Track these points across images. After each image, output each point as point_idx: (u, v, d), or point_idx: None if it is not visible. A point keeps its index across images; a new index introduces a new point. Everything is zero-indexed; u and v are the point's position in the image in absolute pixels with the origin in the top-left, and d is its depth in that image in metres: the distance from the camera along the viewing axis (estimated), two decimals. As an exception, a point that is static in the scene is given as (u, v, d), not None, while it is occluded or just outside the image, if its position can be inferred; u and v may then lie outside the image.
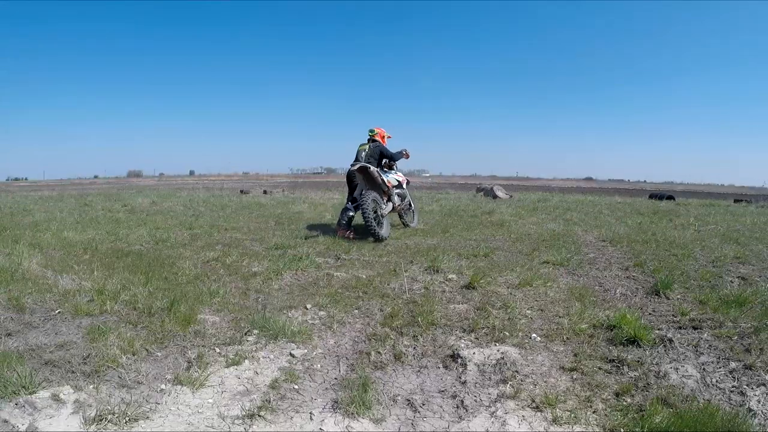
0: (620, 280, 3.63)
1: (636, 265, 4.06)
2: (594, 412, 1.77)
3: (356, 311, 2.88)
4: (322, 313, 2.83)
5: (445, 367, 2.18)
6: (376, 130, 6.06)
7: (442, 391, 1.97)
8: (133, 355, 2.19)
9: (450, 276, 3.63)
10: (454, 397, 1.93)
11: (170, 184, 27.55)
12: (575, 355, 2.24)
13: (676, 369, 2.08)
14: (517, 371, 2.08)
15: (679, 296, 3.14)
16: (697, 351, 2.27)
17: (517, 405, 1.82)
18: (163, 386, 1.95)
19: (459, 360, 2.20)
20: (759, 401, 1.82)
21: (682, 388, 1.93)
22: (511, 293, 3.21)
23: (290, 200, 11.31)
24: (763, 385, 1.93)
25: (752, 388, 1.91)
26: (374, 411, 1.80)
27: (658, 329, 2.52)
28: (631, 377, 2.02)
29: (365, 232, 5.19)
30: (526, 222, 7.05)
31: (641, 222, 7.19)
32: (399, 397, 1.92)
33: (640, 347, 2.29)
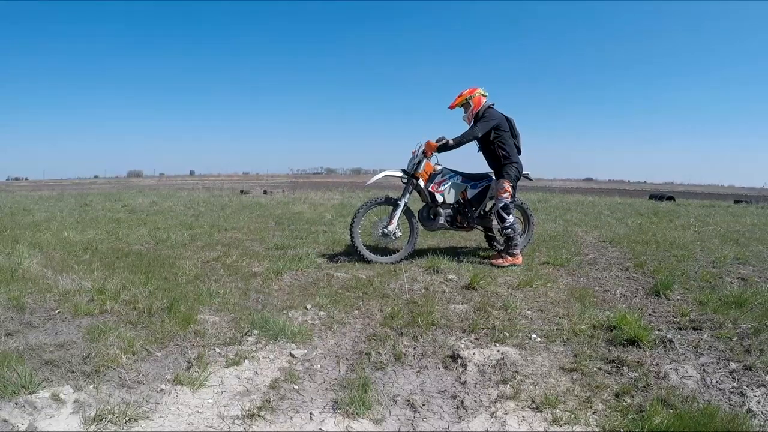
0: (620, 280, 3.63)
1: (636, 265, 4.06)
2: (594, 412, 1.77)
3: (356, 311, 2.88)
4: (322, 313, 2.83)
5: (445, 367, 2.18)
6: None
7: (442, 391, 1.98)
8: (133, 355, 2.19)
9: (450, 276, 3.63)
10: (454, 397, 1.93)
11: (170, 184, 27.56)
12: (575, 355, 2.24)
13: (676, 370, 2.08)
14: (517, 372, 2.08)
15: (679, 297, 3.14)
16: (697, 352, 2.27)
17: (517, 405, 1.82)
18: (163, 386, 1.95)
19: (459, 360, 2.20)
20: (759, 402, 1.82)
21: (682, 388, 1.93)
22: (511, 294, 3.21)
23: (290, 200, 11.31)
24: (763, 386, 1.93)
25: (752, 389, 1.91)
26: (374, 411, 1.80)
27: (658, 330, 2.52)
28: (631, 378, 2.02)
29: None
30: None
31: (641, 222, 7.19)
32: (399, 398, 1.92)
33: (640, 348, 2.29)
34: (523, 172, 4.38)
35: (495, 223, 4.35)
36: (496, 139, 4.09)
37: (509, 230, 4.02)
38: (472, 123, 4.16)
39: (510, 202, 4.05)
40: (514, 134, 4.20)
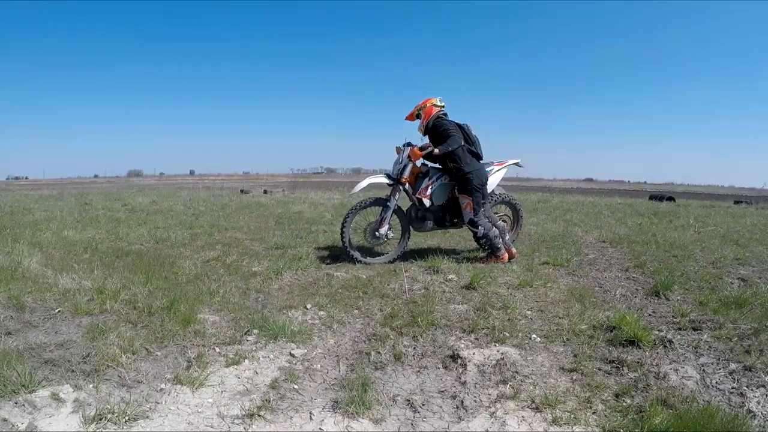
0: (620, 281, 3.63)
1: (636, 266, 4.06)
2: (594, 412, 1.77)
3: (356, 311, 2.88)
4: (322, 312, 2.83)
5: (445, 367, 2.18)
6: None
7: (442, 391, 1.97)
8: (133, 354, 2.19)
9: (450, 276, 3.63)
10: (453, 397, 1.93)
11: (170, 184, 27.57)
12: (575, 355, 2.24)
13: (676, 370, 2.08)
14: (516, 372, 2.08)
15: (679, 297, 3.14)
16: (696, 352, 2.27)
17: (517, 405, 1.82)
18: (162, 385, 1.95)
19: (459, 360, 2.20)
20: (759, 402, 1.82)
21: (682, 389, 1.93)
22: (511, 294, 3.21)
23: (290, 200, 11.31)
24: (763, 386, 1.93)
25: (752, 390, 1.91)
26: (374, 411, 1.80)
27: (658, 330, 2.52)
28: (631, 378, 2.02)
29: None
30: (526, 222, 7.04)
31: (641, 223, 7.19)
32: (399, 398, 1.92)
33: (639, 348, 2.29)
34: (513, 161, 4.43)
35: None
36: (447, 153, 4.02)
37: (483, 240, 4.14)
38: (424, 134, 4.19)
39: (474, 215, 4.06)
40: (470, 141, 4.15)
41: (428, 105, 4.17)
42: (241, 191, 15.66)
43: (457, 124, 4.12)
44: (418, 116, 4.22)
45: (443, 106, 4.22)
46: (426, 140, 4.21)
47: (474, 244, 5.06)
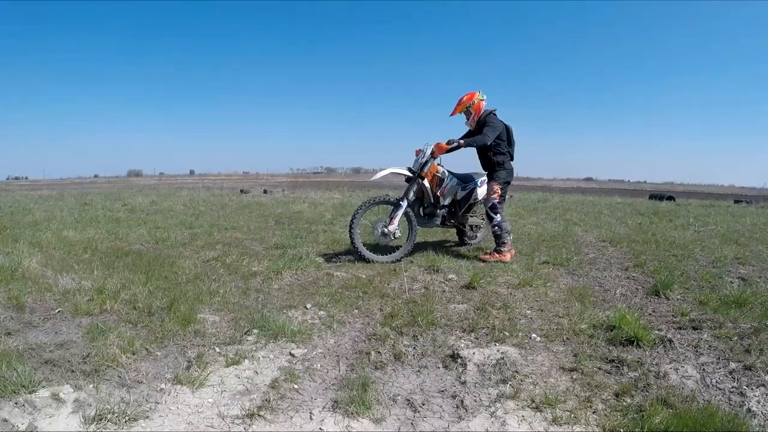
0: (620, 280, 3.63)
1: (636, 265, 4.06)
2: (594, 412, 1.77)
3: (356, 311, 2.88)
4: (322, 312, 2.83)
5: (445, 367, 2.18)
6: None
7: (442, 391, 1.97)
8: (133, 354, 2.18)
9: (450, 276, 3.63)
10: (453, 397, 1.93)
11: (170, 184, 27.57)
12: (575, 355, 2.24)
13: (676, 369, 2.08)
14: (516, 371, 2.08)
15: (679, 297, 3.14)
16: (696, 351, 2.27)
17: (517, 405, 1.82)
18: (162, 385, 1.94)
19: (459, 360, 2.20)
20: (759, 402, 1.82)
21: (682, 388, 1.93)
22: (511, 293, 3.21)
23: (290, 200, 11.31)
24: (763, 385, 1.93)
25: (752, 389, 1.91)
26: (374, 411, 1.80)
27: (658, 330, 2.52)
28: (631, 377, 2.02)
29: None
30: (526, 222, 7.06)
31: (641, 222, 7.19)
32: (399, 397, 1.92)
33: (639, 347, 2.29)
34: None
35: (471, 220, 4.73)
36: (494, 146, 4.26)
37: (496, 228, 4.23)
38: (475, 128, 4.33)
39: (498, 202, 4.25)
40: (510, 143, 4.40)
41: (476, 101, 4.29)
42: (241, 191, 15.66)
43: (505, 125, 4.32)
44: (465, 112, 4.35)
45: (484, 99, 4.34)
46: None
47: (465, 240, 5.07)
